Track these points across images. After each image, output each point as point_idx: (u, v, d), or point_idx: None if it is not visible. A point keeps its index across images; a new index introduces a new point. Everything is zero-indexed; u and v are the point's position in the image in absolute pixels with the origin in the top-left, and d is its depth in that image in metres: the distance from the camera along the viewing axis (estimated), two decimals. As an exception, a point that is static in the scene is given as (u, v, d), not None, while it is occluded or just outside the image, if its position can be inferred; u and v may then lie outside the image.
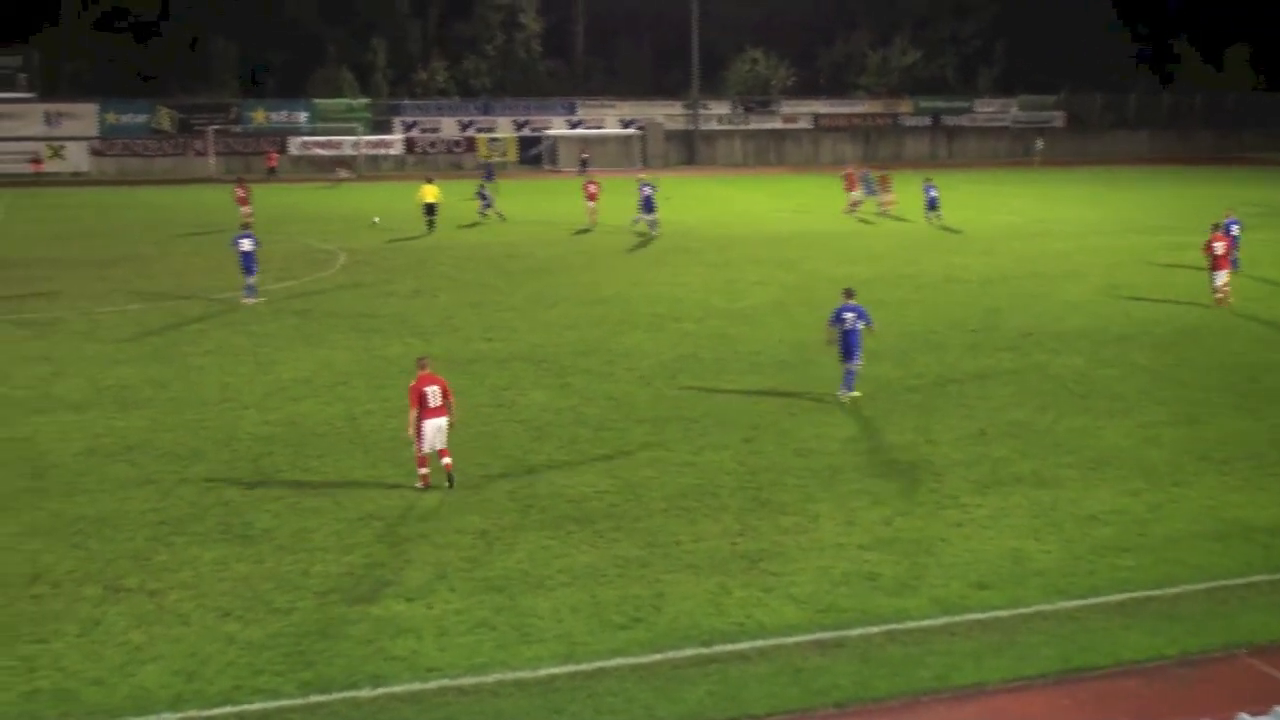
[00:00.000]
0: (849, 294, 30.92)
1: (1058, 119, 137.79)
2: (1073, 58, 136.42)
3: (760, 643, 17.37)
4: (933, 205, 68.41)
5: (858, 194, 74.31)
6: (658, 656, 17.01)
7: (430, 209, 65.13)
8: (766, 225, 69.64)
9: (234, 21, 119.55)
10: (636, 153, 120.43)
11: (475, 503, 23.12)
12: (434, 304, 44.00)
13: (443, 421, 23.95)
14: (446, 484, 23.96)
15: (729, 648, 17.22)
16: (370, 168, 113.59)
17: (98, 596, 18.91)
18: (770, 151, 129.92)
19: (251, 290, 44.38)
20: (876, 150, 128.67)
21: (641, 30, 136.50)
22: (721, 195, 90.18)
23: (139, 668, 16.64)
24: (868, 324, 30.31)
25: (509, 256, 55.98)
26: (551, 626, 17.89)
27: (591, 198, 68.09)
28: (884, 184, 75.05)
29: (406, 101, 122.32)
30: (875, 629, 17.79)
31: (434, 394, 23.84)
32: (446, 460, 24.11)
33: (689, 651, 17.14)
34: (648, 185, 65.05)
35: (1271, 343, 37.58)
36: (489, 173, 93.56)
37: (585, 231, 66.07)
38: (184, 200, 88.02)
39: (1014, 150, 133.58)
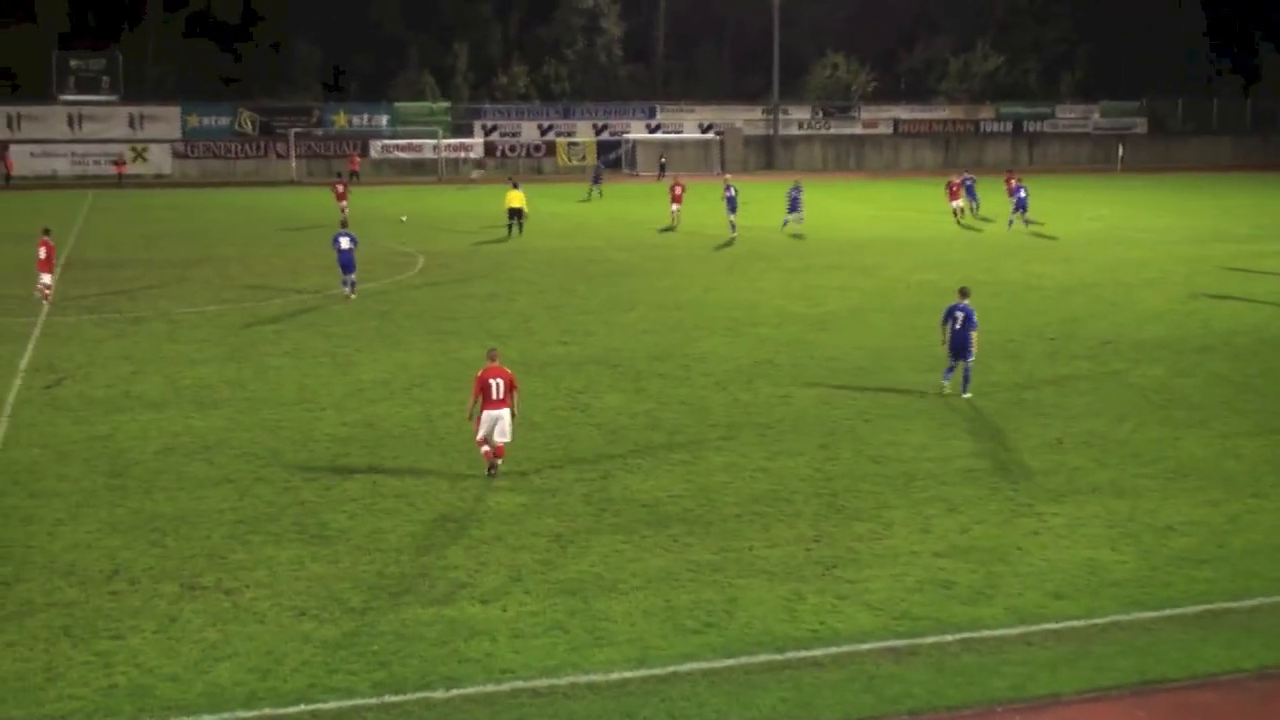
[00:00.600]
0: (963, 293, 31.01)
1: (1140, 125, 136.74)
2: (1155, 64, 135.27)
3: (834, 649, 17.28)
4: (1021, 206, 67.75)
5: (960, 203, 73.46)
6: (730, 662, 16.95)
7: (514, 214, 65.24)
8: (845, 230, 69.46)
9: (316, 25, 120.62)
10: (715, 158, 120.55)
11: (550, 505, 23.16)
12: (511, 307, 44.16)
13: (502, 414, 24.13)
14: (488, 471, 24.24)
15: (802, 654, 17.15)
16: (450, 171, 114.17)
17: (175, 594, 19.07)
18: (850, 157, 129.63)
19: (348, 285, 45.00)
20: (957, 156, 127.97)
21: (722, 35, 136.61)
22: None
23: (214, 665, 16.76)
24: (973, 326, 30.38)
25: (588, 261, 56.12)
26: (625, 630, 17.89)
27: (676, 199, 68.51)
28: (1011, 187, 73.58)
29: (487, 105, 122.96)
30: (950, 637, 17.67)
31: (497, 386, 24.00)
32: (497, 454, 24.47)
33: (762, 657, 17.09)
34: (732, 187, 65.26)
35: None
36: (597, 175, 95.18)
37: (668, 230, 66.37)
38: (265, 202, 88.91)
39: (1095, 157, 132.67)
